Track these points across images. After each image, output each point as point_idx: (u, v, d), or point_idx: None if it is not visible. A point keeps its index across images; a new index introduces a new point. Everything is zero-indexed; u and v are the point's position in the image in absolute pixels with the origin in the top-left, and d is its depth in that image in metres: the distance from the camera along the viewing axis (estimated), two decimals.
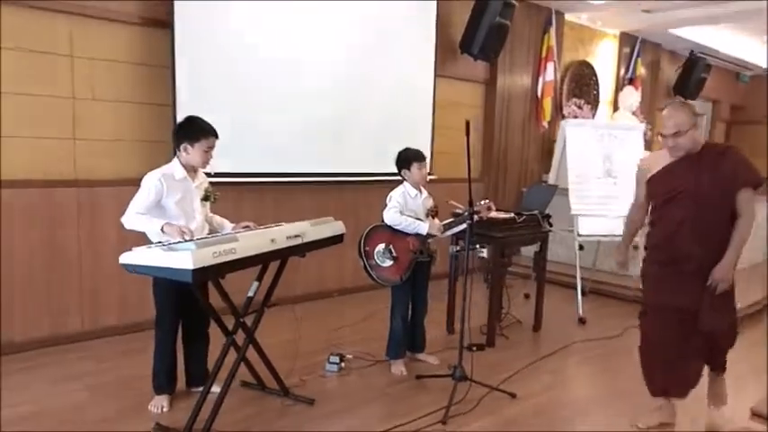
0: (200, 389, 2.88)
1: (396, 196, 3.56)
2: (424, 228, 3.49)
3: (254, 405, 3.12)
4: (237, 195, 4.50)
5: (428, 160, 5.56)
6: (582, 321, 4.86)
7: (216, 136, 2.96)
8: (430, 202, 3.69)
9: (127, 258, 2.46)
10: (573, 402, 3.37)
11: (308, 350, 3.86)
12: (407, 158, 3.61)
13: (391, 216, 3.49)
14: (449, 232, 3.59)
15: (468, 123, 3.05)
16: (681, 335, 2.93)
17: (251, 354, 3.10)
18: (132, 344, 3.92)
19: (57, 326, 3.91)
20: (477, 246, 3.47)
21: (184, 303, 3.02)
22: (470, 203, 3.26)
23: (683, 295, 2.88)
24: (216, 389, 2.83)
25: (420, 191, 3.64)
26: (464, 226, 3.37)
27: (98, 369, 3.57)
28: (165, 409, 3.02)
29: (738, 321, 3.11)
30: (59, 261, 3.88)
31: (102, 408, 3.05)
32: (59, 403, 3.10)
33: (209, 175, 3.21)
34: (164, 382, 3.07)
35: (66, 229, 3.89)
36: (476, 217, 3.55)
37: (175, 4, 4.00)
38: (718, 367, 3.17)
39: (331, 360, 3.60)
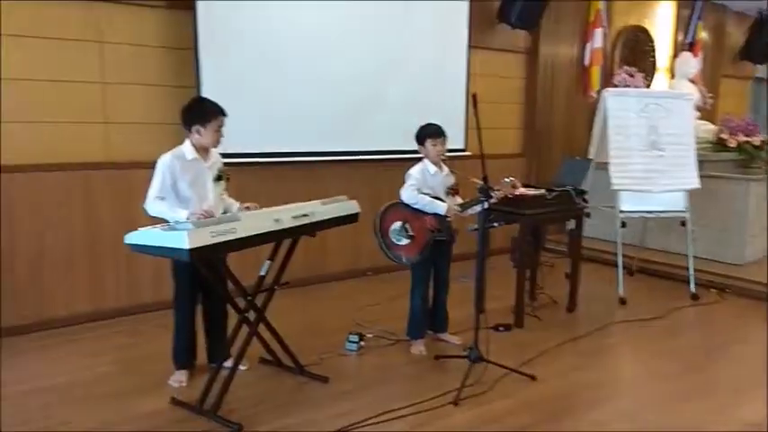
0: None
1: (414, 173, 3.48)
2: (442, 208, 3.39)
3: (269, 382, 3.17)
4: (264, 176, 4.55)
5: (462, 136, 5.47)
6: (622, 302, 4.64)
7: (224, 115, 2.97)
8: (451, 180, 3.58)
9: (131, 238, 2.53)
10: (598, 386, 3.22)
11: (332, 328, 3.90)
12: (423, 135, 3.51)
13: (408, 194, 3.41)
14: (467, 212, 3.48)
15: (474, 96, 2.93)
16: None
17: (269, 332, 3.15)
18: (165, 320, 3.97)
19: (96, 302, 4.10)
20: (496, 223, 3.34)
21: (202, 281, 3.07)
22: (484, 180, 3.14)
23: None
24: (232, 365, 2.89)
25: (440, 168, 3.54)
26: (480, 206, 3.25)
27: (130, 343, 3.72)
28: (183, 384, 3.11)
29: None
30: (97, 241, 4.05)
31: (127, 380, 3.18)
32: (90, 375, 3.25)
33: (224, 155, 3.24)
34: (182, 357, 3.16)
35: (102, 210, 4.04)
36: (499, 195, 3.44)
37: None
38: None
39: (350, 339, 3.59)
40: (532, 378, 3.22)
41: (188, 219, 2.76)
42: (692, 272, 4.85)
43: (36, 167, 3.78)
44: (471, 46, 5.48)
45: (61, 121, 3.86)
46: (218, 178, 3.10)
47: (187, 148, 2.99)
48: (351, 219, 3.22)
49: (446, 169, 3.58)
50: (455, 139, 5.30)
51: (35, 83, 3.74)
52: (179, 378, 3.14)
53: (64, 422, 2.75)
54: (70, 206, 3.93)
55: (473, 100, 2.95)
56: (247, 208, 3.06)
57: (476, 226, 3.23)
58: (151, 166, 2.98)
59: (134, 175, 4.04)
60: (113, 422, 2.75)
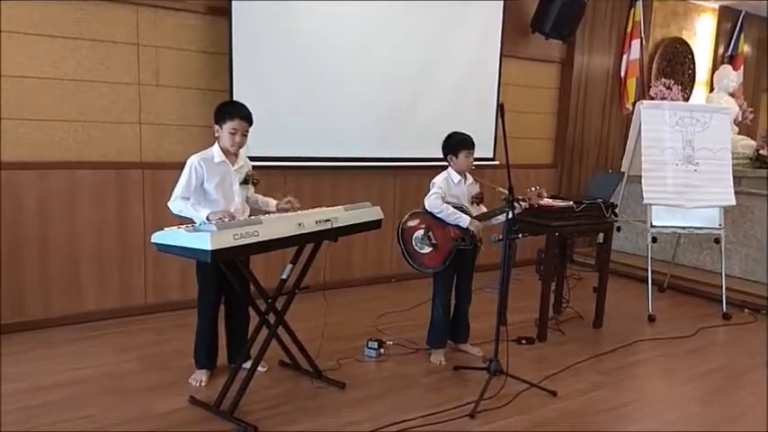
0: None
1: (438, 182, 3.47)
2: (464, 221, 3.37)
3: (286, 385, 3.19)
4: (292, 180, 4.61)
5: (491, 145, 5.44)
6: (651, 319, 4.53)
7: (244, 119, 2.98)
8: (475, 189, 3.56)
9: (156, 238, 2.58)
10: (618, 405, 3.14)
11: (352, 334, 3.91)
12: (456, 145, 3.48)
13: (432, 202, 3.40)
14: (491, 222, 3.45)
15: (501, 105, 2.91)
16: None
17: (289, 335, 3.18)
18: (190, 318, 4.06)
19: (125, 298, 4.19)
20: (521, 234, 3.30)
21: (226, 282, 3.11)
22: (510, 190, 3.11)
23: None
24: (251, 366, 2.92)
25: (465, 177, 3.52)
26: (504, 216, 3.22)
27: (155, 341, 3.79)
28: (203, 384, 3.15)
29: None
30: (127, 238, 4.14)
31: (149, 377, 3.24)
32: (115, 370, 3.32)
33: (252, 158, 3.28)
34: (203, 357, 3.21)
35: (133, 208, 4.14)
36: (524, 205, 3.41)
37: None
38: None
39: (369, 345, 3.59)
40: (553, 394, 3.17)
41: (208, 217, 2.80)
42: (724, 290, 4.71)
43: (71, 165, 3.89)
44: (504, 55, 5.44)
45: (99, 120, 3.96)
46: (245, 181, 3.14)
47: (216, 151, 3.04)
48: (374, 225, 3.22)
49: (470, 178, 3.56)
50: (485, 148, 5.29)
51: (77, 83, 3.87)
52: (199, 377, 3.18)
53: (86, 416, 2.80)
54: (103, 203, 4.03)
55: (500, 109, 2.93)
56: (289, 202, 3.07)
57: (499, 237, 3.20)
58: (182, 166, 3.03)
59: (165, 175, 4.12)
60: (133, 418, 2.80)
